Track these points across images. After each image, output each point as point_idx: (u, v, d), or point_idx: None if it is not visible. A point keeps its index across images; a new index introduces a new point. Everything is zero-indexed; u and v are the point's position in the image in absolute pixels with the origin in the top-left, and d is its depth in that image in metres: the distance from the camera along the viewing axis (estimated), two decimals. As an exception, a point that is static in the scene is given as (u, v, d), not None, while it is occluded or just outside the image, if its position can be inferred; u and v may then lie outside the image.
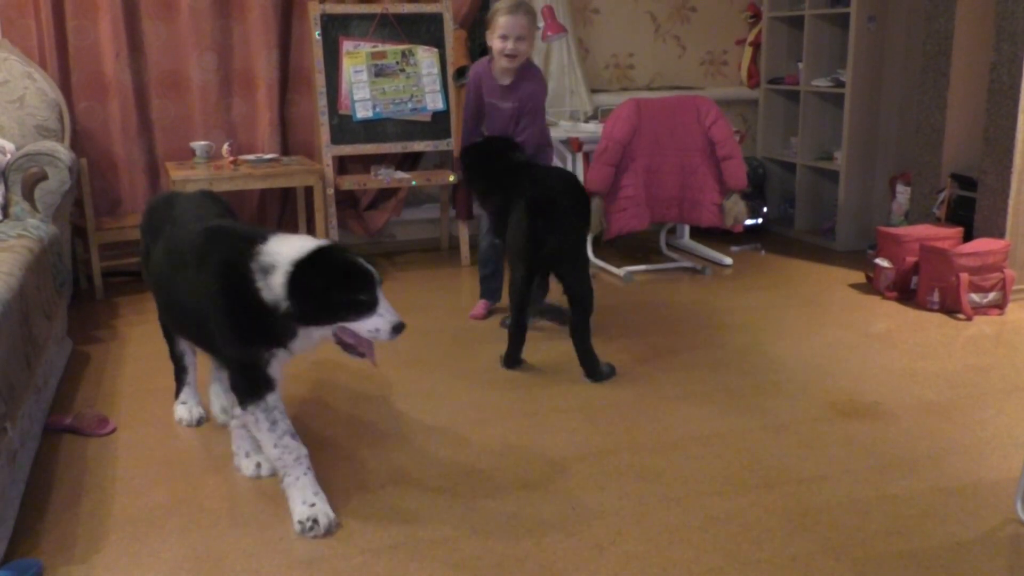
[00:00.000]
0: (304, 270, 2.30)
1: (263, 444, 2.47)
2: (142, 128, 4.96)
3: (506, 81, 3.88)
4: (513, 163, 3.66)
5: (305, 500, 2.42)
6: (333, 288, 2.32)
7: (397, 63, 5.10)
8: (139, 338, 4.03)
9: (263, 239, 2.40)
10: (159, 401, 3.31)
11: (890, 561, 2.25)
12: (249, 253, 2.35)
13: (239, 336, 2.41)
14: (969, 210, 4.63)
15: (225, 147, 4.83)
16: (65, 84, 4.77)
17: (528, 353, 3.65)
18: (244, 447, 2.74)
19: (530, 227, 3.30)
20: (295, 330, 2.39)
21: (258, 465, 2.72)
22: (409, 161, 5.44)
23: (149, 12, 4.87)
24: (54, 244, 3.81)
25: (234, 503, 2.56)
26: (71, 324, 4.07)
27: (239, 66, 5.09)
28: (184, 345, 3.07)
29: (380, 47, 5.05)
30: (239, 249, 2.38)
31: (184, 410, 3.11)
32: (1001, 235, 4.38)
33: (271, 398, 2.44)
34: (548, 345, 3.86)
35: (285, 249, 2.35)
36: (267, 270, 2.32)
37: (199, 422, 3.09)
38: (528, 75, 3.88)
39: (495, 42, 3.80)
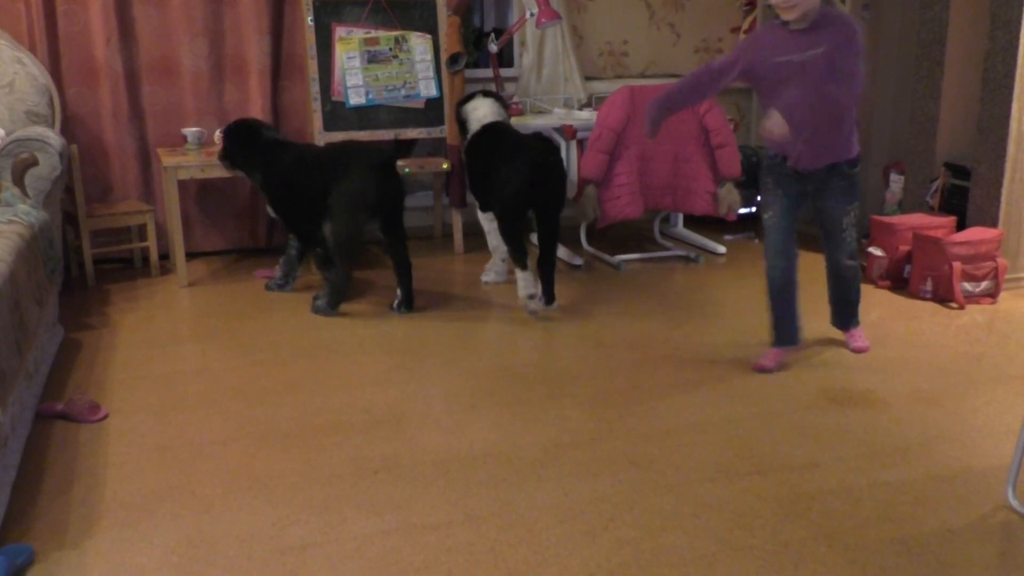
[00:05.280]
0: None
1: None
2: (133, 114, 4.93)
3: (802, 25, 3.19)
4: (268, 140, 4.29)
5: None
6: None
7: (390, 49, 5.07)
8: (130, 325, 4.02)
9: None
10: (151, 387, 3.30)
11: (882, 548, 2.26)
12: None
13: None
14: (962, 199, 4.63)
15: (217, 134, 4.80)
16: (55, 69, 4.73)
17: (516, 346, 3.65)
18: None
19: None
20: None
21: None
22: (402, 148, 5.41)
23: (140, -4, 4.83)
24: (45, 230, 3.79)
25: (226, 489, 2.56)
26: (62, 311, 4.06)
27: (231, 52, 5.05)
28: None
29: (373, 33, 5.02)
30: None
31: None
32: (994, 224, 4.38)
33: None
34: (543, 335, 3.86)
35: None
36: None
37: None
38: (825, 21, 3.16)
39: None
